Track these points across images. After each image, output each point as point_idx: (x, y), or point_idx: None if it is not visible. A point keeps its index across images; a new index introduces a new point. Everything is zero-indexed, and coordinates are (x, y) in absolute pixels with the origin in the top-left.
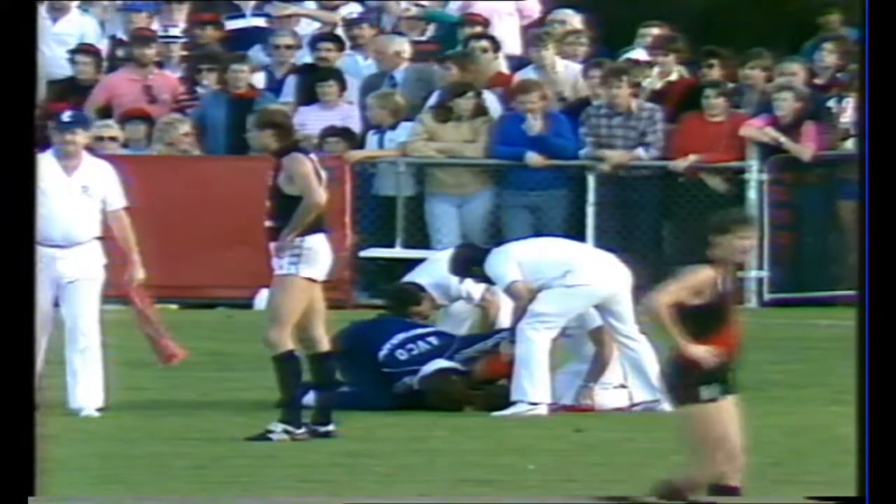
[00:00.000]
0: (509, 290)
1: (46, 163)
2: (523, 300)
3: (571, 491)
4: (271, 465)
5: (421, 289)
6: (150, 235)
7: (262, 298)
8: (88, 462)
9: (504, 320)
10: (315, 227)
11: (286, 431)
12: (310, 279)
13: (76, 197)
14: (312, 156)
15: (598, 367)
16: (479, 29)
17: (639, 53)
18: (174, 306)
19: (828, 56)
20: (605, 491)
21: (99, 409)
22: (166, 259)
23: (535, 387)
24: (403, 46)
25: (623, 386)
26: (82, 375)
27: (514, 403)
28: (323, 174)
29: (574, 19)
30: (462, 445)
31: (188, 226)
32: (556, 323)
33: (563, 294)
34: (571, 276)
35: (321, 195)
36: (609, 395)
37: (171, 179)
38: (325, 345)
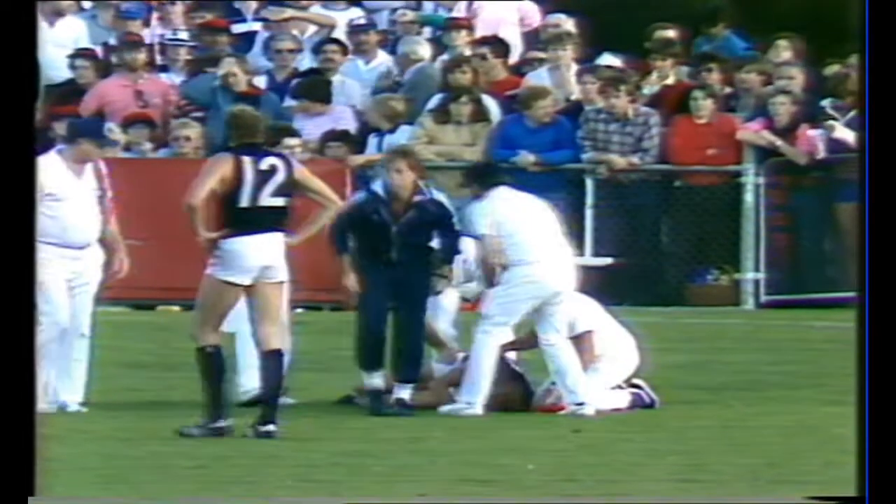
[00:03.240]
0: (481, 241)
1: (57, 166)
2: (492, 255)
3: (570, 491)
4: (272, 464)
5: None
6: (152, 237)
7: None
8: (90, 462)
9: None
10: (240, 230)
11: (198, 427)
12: (228, 282)
13: (88, 199)
14: (249, 157)
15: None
16: (467, 33)
17: (609, 59)
18: (176, 308)
19: (783, 52)
20: (603, 490)
21: (82, 405)
22: (167, 261)
23: (472, 390)
24: (428, 50)
25: (620, 387)
26: (77, 374)
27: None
28: (250, 176)
29: (567, 23)
30: (461, 445)
31: (189, 228)
32: (506, 322)
33: (509, 293)
34: (527, 267)
35: (192, 198)
36: (607, 395)
37: (172, 181)
38: (271, 344)
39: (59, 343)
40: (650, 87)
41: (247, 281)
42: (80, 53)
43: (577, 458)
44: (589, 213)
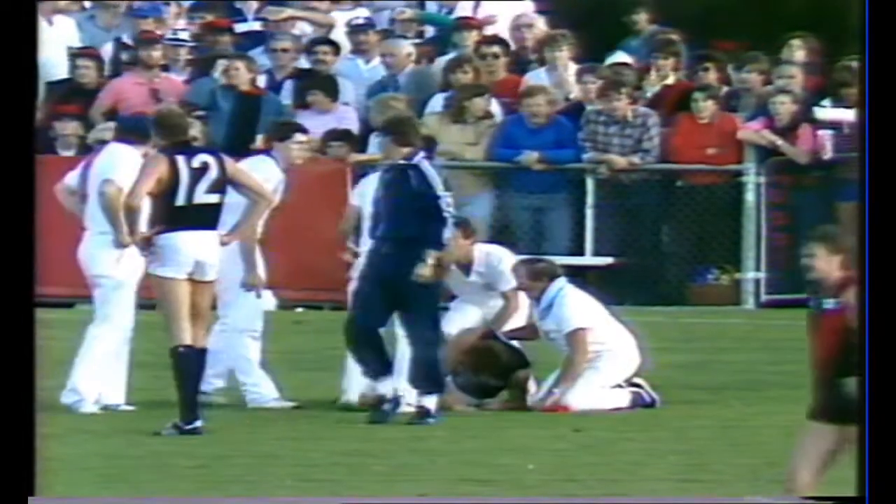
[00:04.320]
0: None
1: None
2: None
3: (571, 490)
4: (272, 464)
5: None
6: None
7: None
8: (91, 461)
9: (516, 322)
10: (175, 225)
11: (175, 426)
12: (167, 277)
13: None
14: (182, 156)
15: (568, 373)
16: (477, 33)
17: (622, 57)
18: None
19: (797, 52)
20: (603, 490)
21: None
22: None
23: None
24: (410, 49)
25: (620, 386)
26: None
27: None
28: (185, 175)
29: (539, 22)
30: (461, 445)
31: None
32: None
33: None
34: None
35: (133, 197)
36: (607, 394)
37: None
38: (197, 342)
39: (121, 344)
40: (650, 87)
41: (182, 275)
42: (83, 53)
43: (578, 458)
44: (590, 213)
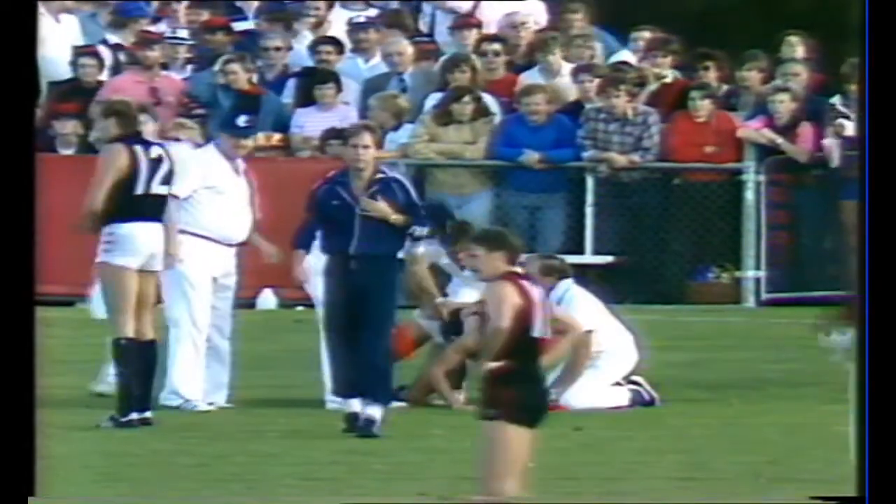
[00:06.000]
0: None
1: (216, 159)
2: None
3: (570, 489)
4: (272, 463)
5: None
6: None
7: (264, 298)
8: (91, 460)
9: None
10: (132, 215)
11: (112, 419)
12: (121, 266)
13: (245, 198)
14: (140, 146)
15: (567, 375)
16: (476, 32)
17: (626, 56)
18: None
19: (796, 48)
20: (603, 489)
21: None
22: None
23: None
24: (409, 48)
25: (619, 384)
26: (222, 378)
27: None
28: (144, 164)
29: (541, 18)
30: (461, 443)
31: None
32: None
33: None
34: None
35: (94, 203)
36: (607, 393)
37: None
38: (147, 334)
39: (195, 345)
40: (648, 85)
41: (136, 265)
42: (85, 51)
43: (578, 457)
44: (590, 212)
